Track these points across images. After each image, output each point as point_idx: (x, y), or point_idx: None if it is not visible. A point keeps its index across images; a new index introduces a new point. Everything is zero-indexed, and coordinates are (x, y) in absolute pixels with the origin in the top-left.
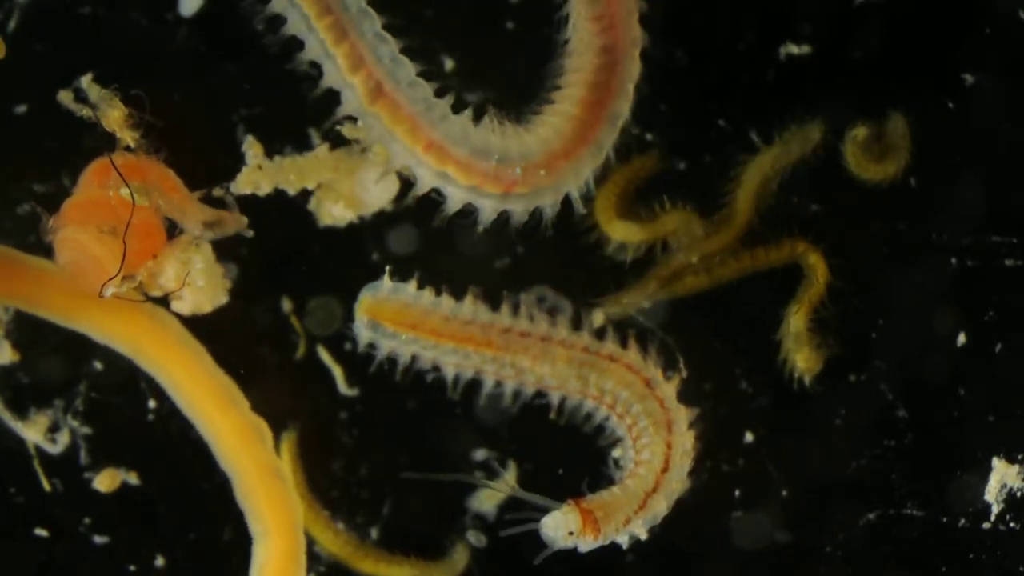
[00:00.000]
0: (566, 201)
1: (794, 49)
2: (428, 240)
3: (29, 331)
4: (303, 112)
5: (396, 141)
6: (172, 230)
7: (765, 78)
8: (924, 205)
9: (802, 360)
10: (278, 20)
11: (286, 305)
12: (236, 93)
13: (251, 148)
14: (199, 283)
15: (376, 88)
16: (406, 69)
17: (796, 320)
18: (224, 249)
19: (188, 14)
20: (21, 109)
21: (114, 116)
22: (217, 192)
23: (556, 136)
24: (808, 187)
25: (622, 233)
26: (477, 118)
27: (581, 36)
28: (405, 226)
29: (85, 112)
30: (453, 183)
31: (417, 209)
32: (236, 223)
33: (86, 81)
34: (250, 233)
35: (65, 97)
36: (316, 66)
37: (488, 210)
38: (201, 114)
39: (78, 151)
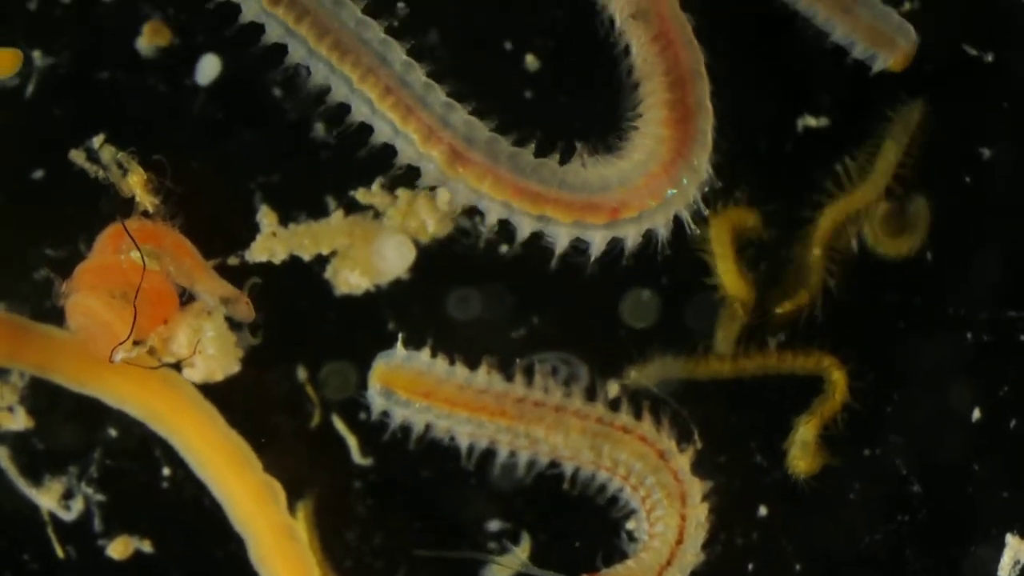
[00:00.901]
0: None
1: (812, 121)
2: (444, 308)
3: (44, 398)
4: (320, 179)
5: (485, 198)
6: (186, 297)
7: (783, 149)
8: (941, 279)
9: (804, 466)
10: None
11: (301, 373)
12: (253, 161)
13: (266, 217)
14: (210, 351)
15: (454, 154)
16: (480, 129)
17: (806, 430)
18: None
19: (205, 83)
20: (38, 174)
21: (134, 180)
22: (232, 260)
23: (650, 157)
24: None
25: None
26: (563, 158)
27: (644, 61)
28: (422, 294)
29: (99, 173)
30: (555, 223)
31: (433, 277)
32: (245, 312)
33: (98, 141)
34: (253, 316)
35: (77, 156)
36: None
37: (599, 241)
38: (217, 182)
39: (95, 217)
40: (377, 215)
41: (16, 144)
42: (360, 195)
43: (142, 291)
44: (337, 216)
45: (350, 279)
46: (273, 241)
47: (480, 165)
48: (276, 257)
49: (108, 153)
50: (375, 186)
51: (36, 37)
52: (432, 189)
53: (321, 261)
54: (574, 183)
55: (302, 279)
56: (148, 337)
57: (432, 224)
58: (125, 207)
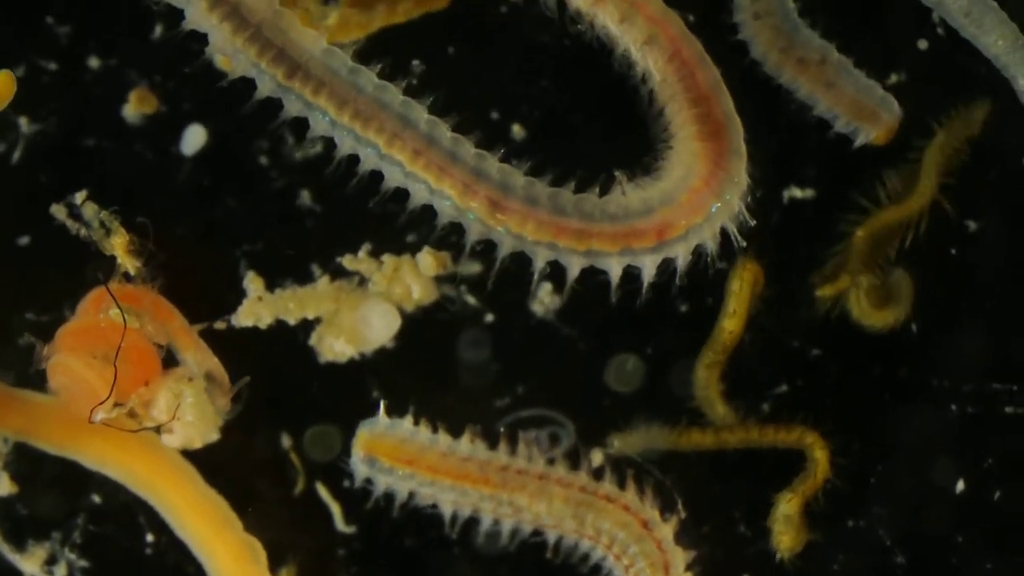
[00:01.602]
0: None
1: (797, 192)
2: (429, 376)
3: (28, 463)
4: (306, 246)
5: (529, 243)
6: (170, 362)
7: (768, 221)
8: (925, 351)
9: (788, 542)
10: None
11: (285, 441)
12: (239, 228)
13: (252, 283)
14: (188, 418)
15: (493, 204)
16: (515, 175)
17: (787, 507)
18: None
19: (191, 153)
20: (24, 240)
21: (116, 242)
22: (219, 325)
23: (688, 173)
24: (809, 330)
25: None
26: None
27: (664, 83)
28: (406, 362)
29: (81, 231)
30: (604, 255)
31: (418, 345)
32: (223, 394)
33: (80, 197)
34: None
35: (58, 212)
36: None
37: (649, 265)
38: (204, 249)
39: (80, 283)
40: (362, 281)
41: (2, 210)
42: (346, 261)
43: (123, 351)
44: (323, 282)
45: (335, 346)
46: (259, 306)
47: (520, 211)
48: (262, 322)
49: (90, 210)
50: (361, 252)
51: (23, 103)
52: (415, 255)
53: (306, 327)
54: (617, 212)
55: (287, 345)
56: (129, 398)
57: (417, 291)
58: (107, 268)
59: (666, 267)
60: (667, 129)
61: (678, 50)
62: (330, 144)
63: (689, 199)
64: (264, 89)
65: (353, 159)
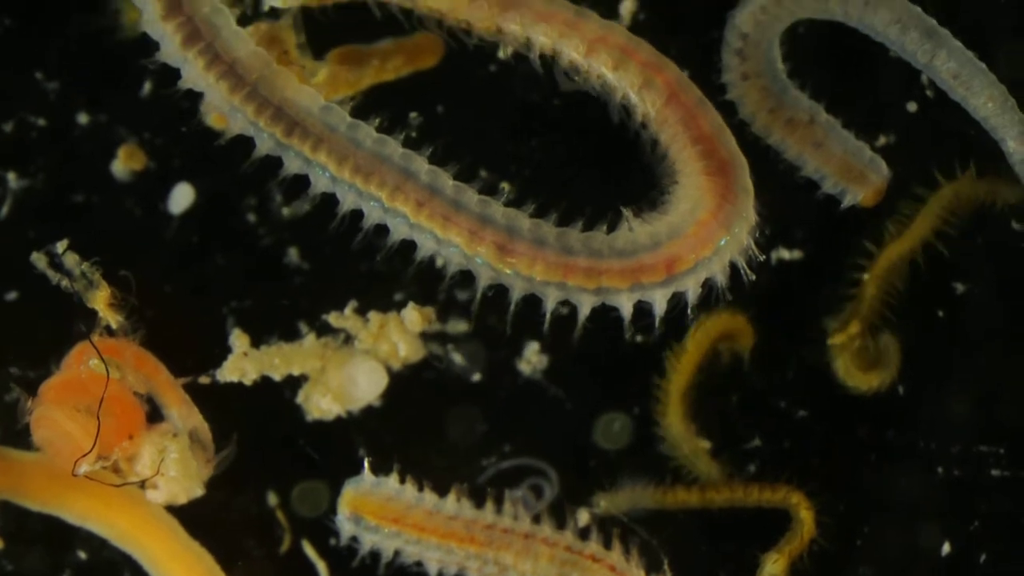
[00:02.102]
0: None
1: (785, 254)
2: (415, 434)
3: (14, 520)
4: (292, 304)
5: (539, 284)
6: (155, 418)
7: (757, 281)
8: (912, 413)
9: None
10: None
11: (272, 498)
12: (226, 285)
13: (238, 339)
14: (171, 473)
15: (501, 249)
16: (521, 218)
17: (773, 567)
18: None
19: (178, 212)
20: (11, 296)
21: (99, 295)
22: (204, 379)
23: (696, 206)
24: (796, 392)
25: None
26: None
27: (664, 124)
28: (393, 420)
29: (62, 281)
30: (614, 292)
31: (404, 403)
32: (205, 453)
33: (61, 246)
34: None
35: (39, 260)
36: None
37: (659, 299)
38: (191, 305)
39: (67, 339)
40: (349, 339)
41: None
42: (332, 319)
43: (106, 404)
44: (309, 339)
45: (321, 404)
46: (244, 362)
47: (528, 253)
48: (247, 378)
49: (71, 260)
50: (347, 310)
51: (11, 159)
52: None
53: (293, 384)
54: (625, 247)
55: (275, 402)
56: (112, 452)
57: (404, 348)
58: (92, 322)
59: (676, 302)
60: (672, 167)
61: (675, 93)
62: (322, 201)
63: (697, 232)
64: (263, 147)
65: (356, 214)
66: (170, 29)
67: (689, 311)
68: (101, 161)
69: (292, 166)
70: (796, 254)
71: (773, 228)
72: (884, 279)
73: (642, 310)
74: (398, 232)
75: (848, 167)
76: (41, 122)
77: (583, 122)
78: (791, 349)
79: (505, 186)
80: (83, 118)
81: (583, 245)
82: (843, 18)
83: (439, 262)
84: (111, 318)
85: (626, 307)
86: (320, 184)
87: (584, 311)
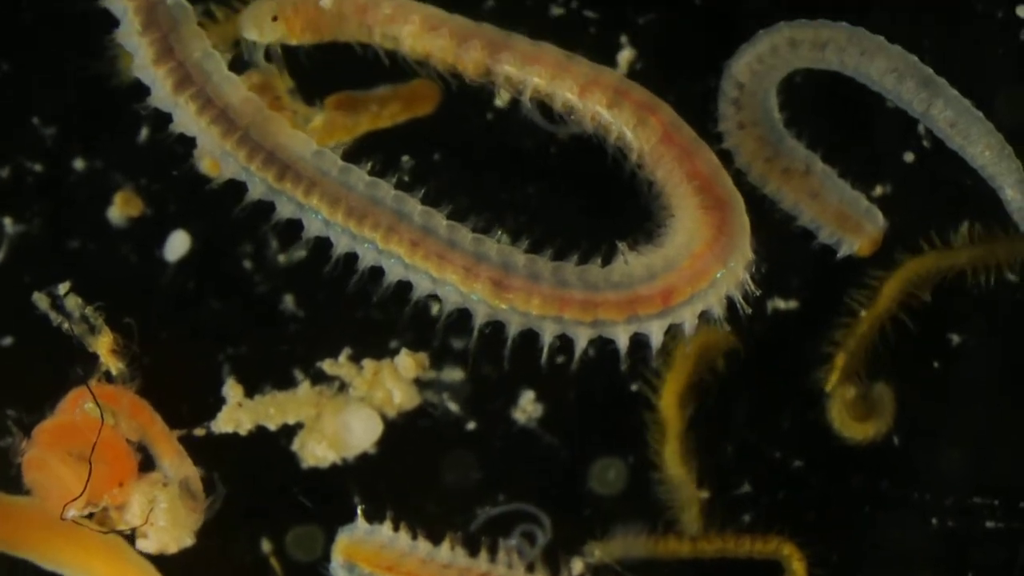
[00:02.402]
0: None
1: (781, 304)
2: (410, 482)
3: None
4: (287, 351)
5: (536, 319)
6: (146, 466)
7: (752, 331)
8: (907, 464)
9: None
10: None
11: (266, 545)
12: (221, 332)
13: (232, 390)
14: (160, 523)
15: (496, 285)
16: (515, 254)
17: None
18: (208, 486)
19: (174, 259)
20: (7, 341)
21: (101, 342)
22: (198, 432)
23: (691, 239)
24: (792, 441)
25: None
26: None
27: (658, 161)
28: (388, 467)
29: (63, 323)
30: (610, 324)
31: (399, 451)
32: (195, 503)
33: (63, 288)
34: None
35: (40, 300)
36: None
37: (657, 333)
38: (186, 352)
39: (62, 385)
40: (343, 386)
41: None
42: (327, 366)
43: (98, 450)
44: (304, 387)
45: (316, 452)
46: (239, 412)
47: (523, 288)
48: (242, 428)
49: (73, 302)
50: (342, 357)
51: (8, 204)
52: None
53: (288, 431)
54: (621, 280)
55: (269, 449)
56: (102, 498)
57: (399, 396)
58: (89, 367)
59: (673, 335)
60: (668, 204)
61: (669, 133)
62: (316, 247)
63: (692, 264)
64: (255, 192)
65: (351, 257)
66: (161, 74)
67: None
68: (97, 207)
69: (285, 211)
70: (792, 304)
71: (769, 278)
72: (876, 325)
73: (639, 358)
74: (393, 273)
75: (844, 217)
76: (37, 167)
77: (579, 168)
78: (786, 398)
79: (500, 232)
80: (80, 164)
81: (578, 278)
82: (839, 67)
83: (435, 308)
84: (112, 364)
85: (622, 339)
86: (313, 228)
87: (581, 344)
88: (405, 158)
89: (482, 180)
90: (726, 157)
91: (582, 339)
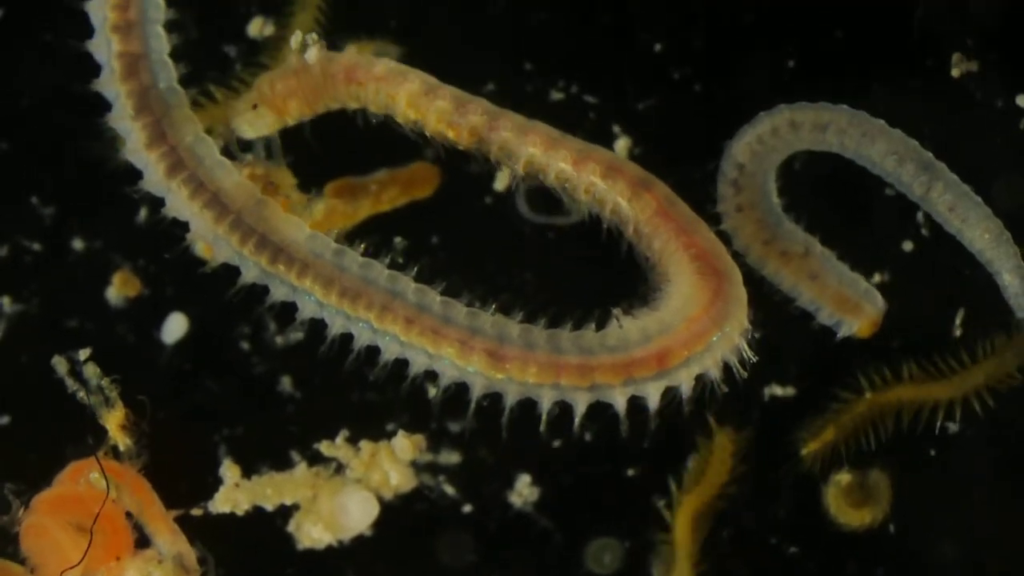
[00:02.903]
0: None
1: (778, 390)
2: (406, 564)
3: None
4: (284, 432)
5: (534, 388)
6: (142, 543)
7: (749, 417)
8: (902, 552)
9: None
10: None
11: None
12: (218, 412)
13: (229, 471)
14: None
15: (492, 357)
16: (510, 325)
17: None
18: (203, 564)
19: (171, 341)
20: (4, 420)
21: (113, 417)
22: (195, 512)
23: (687, 303)
24: (787, 527)
25: None
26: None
27: (653, 231)
28: (384, 549)
29: (79, 391)
30: (607, 388)
31: (396, 533)
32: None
33: (84, 354)
34: None
35: (60, 364)
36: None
37: (654, 396)
38: (182, 432)
39: (60, 464)
40: (340, 468)
41: None
42: (324, 447)
43: (98, 521)
44: (301, 468)
45: (312, 533)
46: (236, 492)
47: (519, 357)
48: (239, 508)
49: (91, 370)
50: (339, 439)
51: (6, 283)
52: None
53: (285, 513)
54: (616, 344)
55: (265, 530)
56: (98, 571)
57: (395, 478)
58: (86, 446)
59: (672, 399)
60: (664, 273)
61: (664, 208)
62: (313, 329)
63: (688, 327)
64: (249, 275)
65: (346, 337)
66: (154, 158)
67: (685, 408)
68: (96, 287)
69: (279, 293)
70: (789, 390)
71: (766, 364)
72: (874, 410)
73: (636, 448)
74: (389, 351)
75: (843, 298)
76: (36, 246)
77: (577, 250)
78: (782, 485)
79: (494, 306)
80: (78, 243)
81: (574, 344)
82: (840, 150)
83: (431, 391)
84: (120, 440)
85: (620, 403)
86: (308, 310)
87: (580, 409)
88: (398, 239)
89: (480, 261)
90: (724, 239)
91: (580, 405)
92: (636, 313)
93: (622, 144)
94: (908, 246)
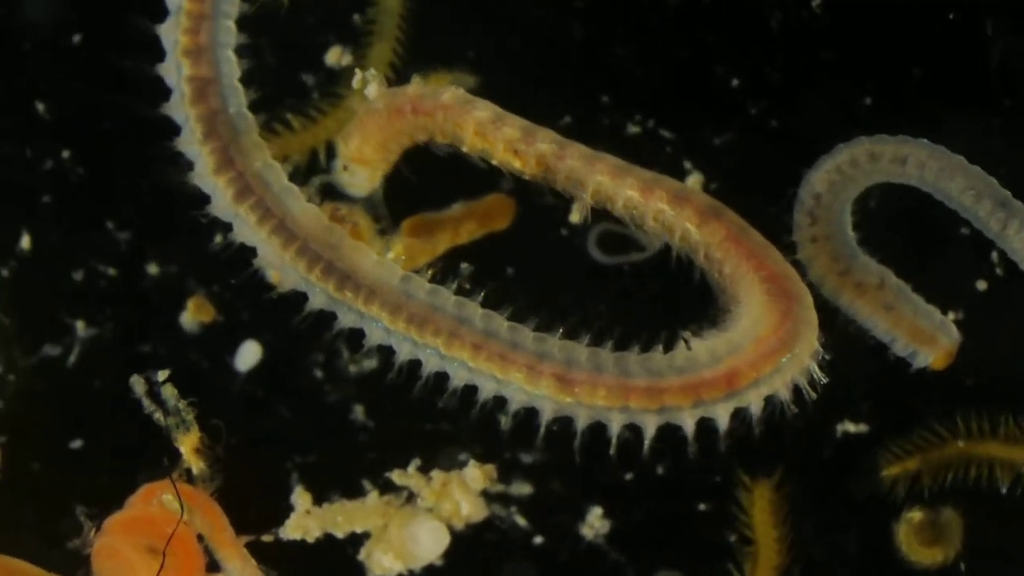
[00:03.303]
0: None
1: (851, 427)
2: None
3: None
4: (357, 461)
5: (603, 411)
6: (212, 568)
7: (820, 452)
8: None
9: None
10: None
11: None
12: (291, 439)
13: (300, 498)
14: None
15: (561, 381)
16: (577, 350)
17: None
18: None
19: (244, 369)
20: (76, 444)
21: (188, 440)
22: (266, 538)
23: (756, 323)
24: (858, 564)
25: None
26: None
27: (725, 255)
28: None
29: (156, 412)
30: (676, 410)
31: (466, 563)
32: None
33: (162, 375)
34: None
35: (137, 383)
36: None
37: (722, 414)
38: (255, 458)
39: (131, 488)
40: (411, 497)
41: (55, 413)
42: (395, 476)
43: (171, 543)
44: (372, 497)
45: (383, 562)
46: (307, 519)
47: (588, 382)
48: (310, 535)
49: (169, 391)
50: (411, 468)
51: (80, 307)
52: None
53: (355, 541)
54: (684, 365)
55: (335, 558)
56: None
57: (466, 507)
58: (158, 471)
59: (742, 419)
60: (734, 294)
61: (734, 234)
62: (385, 356)
63: (757, 347)
64: (316, 301)
65: (415, 364)
66: (222, 183)
67: (755, 430)
68: (170, 312)
69: (347, 320)
70: (861, 427)
71: (838, 400)
72: (955, 452)
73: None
74: (458, 378)
75: (919, 330)
76: (111, 271)
77: (651, 283)
78: (854, 522)
79: (560, 330)
80: (153, 268)
81: (642, 367)
82: (918, 183)
83: (503, 421)
84: (194, 463)
85: (688, 425)
86: (375, 337)
87: (649, 432)
88: (464, 265)
89: (553, 291)
90: (799, 269)
91: (650, 427)
92: (705, 335)
93: (694, 180)
94: (982, 285)
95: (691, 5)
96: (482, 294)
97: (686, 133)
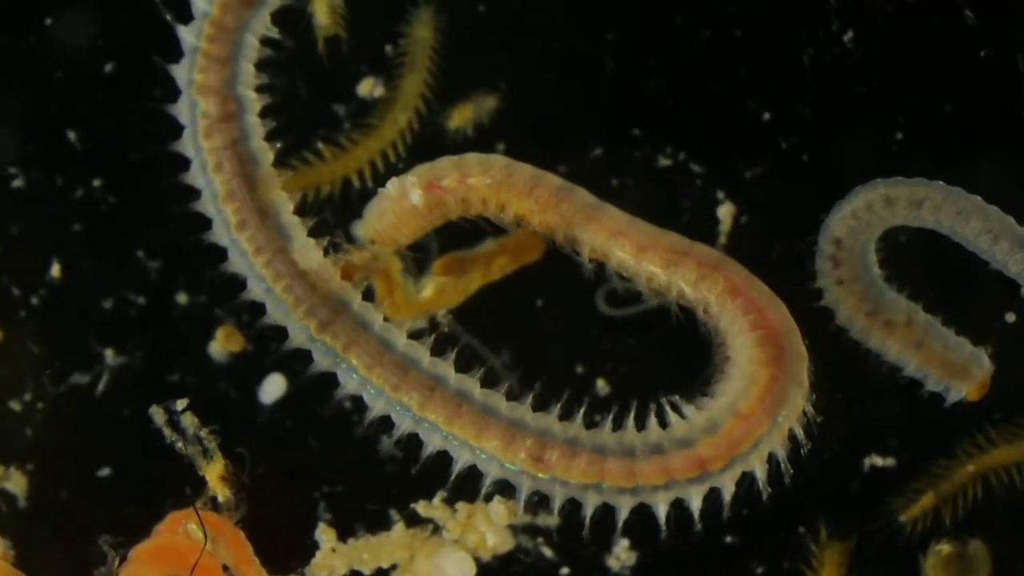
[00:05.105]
0: None
1: (879, 461)
2: None
3: None
4: (383, 492)
5: (577, 488)
6: None
7: (848, 488)
8: None
9: None
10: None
11: None
12: (318, 471)
13: (324, 534)
14: None
15: (537, 456)
16: (553, 423)
17: None
18: None
19: (269, 401)
20: (104, 472)
21: (213, 468)
22: None
23: (740, 395)
24: None
25: None
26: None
27: (723, 310)
28: None
29: (177, 441)
30: (650, 490)
31: None
32: None
33: (181, 404)
34: None
35: (157, 414)
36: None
37: (729, 488)
38: (282, 489)
39: (157, 516)
40: (437, 529)
41: (83, 440)
42: (421, 508)
43: (195, 572)
44: (398, 529)
45: None
46: (333, 557)
47: (562, 459)
48: (336, 573)
49: (189, 420)
50: (436, 499)
51: (110, 336)
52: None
53: (382, 574)
54: (660, 443)
55: None
56: None
57: (492, 538)
58: (185, 498)
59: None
60: (726, 356)
61: (733, 286)
62: None
63: (734, 427)
64: (296, 339)
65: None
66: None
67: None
68: (199, 342)
69: (323, 363)
70: (889, 461)
71: (866, 435)
72: (976, 478)
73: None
74: (432, 443)
75: (950, 364)
76: (141, 300)
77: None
78: (883, 554)
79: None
80: (183, 298)
81: (618, 444)
82: (935, 226)
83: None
84: (219, 491)
85: (661, 509)
86: (350, 385)
87: (622, 514)
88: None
89: (585, 330)
90: (827, 314)
91: (624, 508)
92: (693, 402)
93: (726, 210)
94: (1011, 318)
95: (723, 39)
96: (454, 354)
97: (717, 166)
